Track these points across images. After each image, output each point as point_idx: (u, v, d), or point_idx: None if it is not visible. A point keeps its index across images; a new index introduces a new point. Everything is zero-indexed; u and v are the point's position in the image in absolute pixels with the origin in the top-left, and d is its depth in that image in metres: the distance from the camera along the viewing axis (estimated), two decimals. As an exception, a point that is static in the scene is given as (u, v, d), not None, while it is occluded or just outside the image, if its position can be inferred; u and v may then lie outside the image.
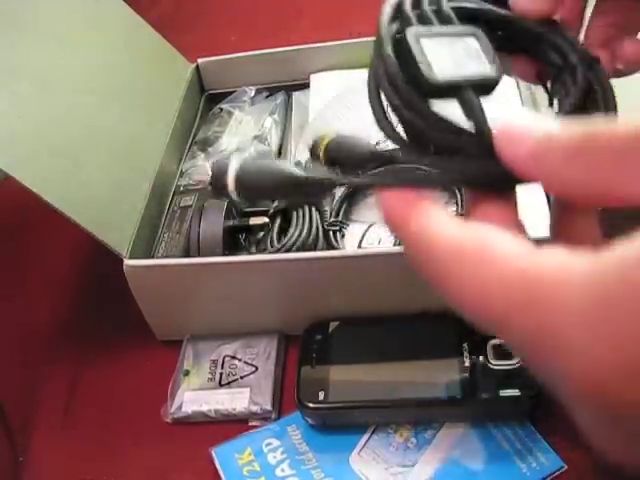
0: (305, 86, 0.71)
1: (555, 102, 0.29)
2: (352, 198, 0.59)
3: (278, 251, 0.53)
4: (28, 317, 0.63)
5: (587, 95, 0.28)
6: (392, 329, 0.50)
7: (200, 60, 0.72)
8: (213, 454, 0.49)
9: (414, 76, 0.24)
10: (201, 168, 0.63)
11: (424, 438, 0.47)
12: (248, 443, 0.49)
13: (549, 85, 0.31)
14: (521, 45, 0.31)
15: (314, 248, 0.54)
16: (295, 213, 0.56)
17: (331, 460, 0.47)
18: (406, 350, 0.49)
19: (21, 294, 0.65)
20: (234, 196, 0.28)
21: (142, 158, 0.60)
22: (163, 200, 0.61)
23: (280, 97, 0.71)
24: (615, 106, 0.28)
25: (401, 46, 0.25)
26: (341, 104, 0.67)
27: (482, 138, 0.23)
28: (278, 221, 0.56)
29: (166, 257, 0.56)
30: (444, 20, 0.27)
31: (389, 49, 0.25)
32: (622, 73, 0.34)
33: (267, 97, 0.71)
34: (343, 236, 0.56)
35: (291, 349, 0.54)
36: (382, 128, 0.28)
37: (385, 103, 0.27)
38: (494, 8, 0.30)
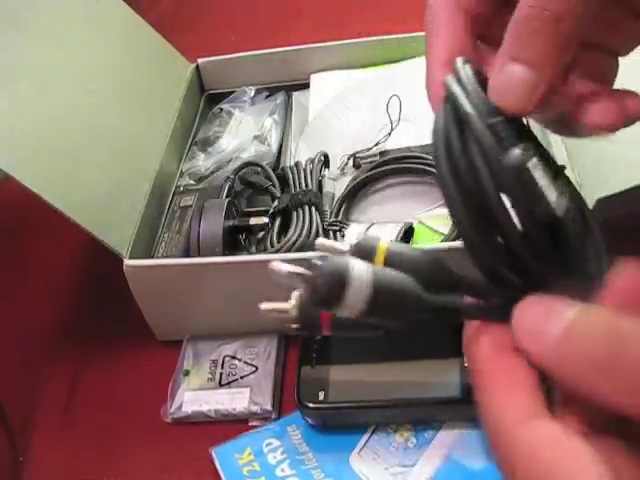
0: (305, 86, 0.71)
1: None
2: (352, 198, 0.59)
3: (278, 251, 0.53)
4: (28, 317, 0.63)
5: None
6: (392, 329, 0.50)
7: (200, 60, 0.72)
8: (213, 454, 0.49)
9: (528, 208, 0.22)
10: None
11: (424, 438, 0.47)
12: (248, 443, 0.49)
13: None
14: None
15: (314, 248, 0.54)
16: (295, 213, 0.56)
17: (331, 460, 0.47)
18: (406, 350, 0.48)
19: (21, 294, 0.65)
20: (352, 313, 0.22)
21: (142, 158, 0.60)
22: (163, 200, 0.61)
23: (280, 97, 0.71)
24: None
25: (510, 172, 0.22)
26: (341, 104, 0.67)
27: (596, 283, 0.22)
28: (278, 221, 0.56)
29: (166, 257, 0.56)
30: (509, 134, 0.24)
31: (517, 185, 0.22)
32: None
33: (267, 97, 0.71)
34: (343, 236, 0.56)
35: (291, 349, 0.54)
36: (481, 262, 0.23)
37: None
38: None
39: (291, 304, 0.23)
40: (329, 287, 0.21)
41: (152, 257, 0.56)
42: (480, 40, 0.30)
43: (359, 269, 0.22)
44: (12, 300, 0.65)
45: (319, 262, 0.22)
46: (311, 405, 0.47)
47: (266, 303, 0.23)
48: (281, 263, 0.23)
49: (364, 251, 0.23)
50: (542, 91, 0.25)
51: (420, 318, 0.23)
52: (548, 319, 0.21)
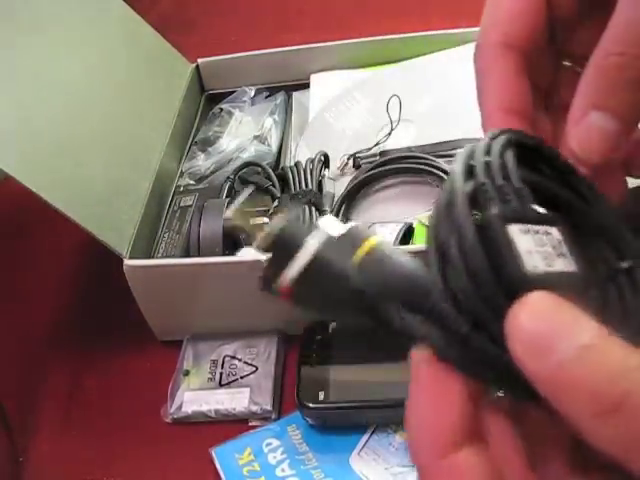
0: (305, 86, 0.71)
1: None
2: (352, 198, 0.59)
3: (278, 251, 0.53)
4: (28, 317, 0.63)
5: None
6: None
7: (200, 60, 0.72)
8: (213, 454, 0.49)
9: (496, 268, 0.20)
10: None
11: (424, 438, 0.47)
12: (248, 443, 0.49)
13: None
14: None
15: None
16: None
17: (331, 460, 0.47)
18: (406, 350, 0.48)
19: (21, 294, 0.65)
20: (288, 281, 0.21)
21: (142, 158, 0.60)
22: (163, 200, 0.61)
23: (280, 97, 0.71)
24: None
25: (482, 230, 0.20)
26: (341, 104, 0.67)
27: None
28: (278, 221, 0.56)
29: (166, 257, 0.56)
30: (521, 198, 0.21)
31: (474, 238, 0.20)
32: None
33: (267, 97, 0.71)
34: (343, 236, 0.56)
35: (291, 349, 0.54)
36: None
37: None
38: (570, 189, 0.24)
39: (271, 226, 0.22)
40: (282, 243, 0.22)
41: (152, 257, 0.56)
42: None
43: (313, 239, 0.22)
44: (12, 300, 0.65)
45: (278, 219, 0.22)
46: (311, 405, 0.47)
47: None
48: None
49: (352, 238, 0.22)
50: (624, 139, 0.24)
51: (354, 315, 0.22)
52: (560, 333, 0.18)
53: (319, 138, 0.65)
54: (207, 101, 0.73)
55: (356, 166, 0.61)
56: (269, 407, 0.50)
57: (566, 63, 0.28)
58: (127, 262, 0.51)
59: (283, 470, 0.47)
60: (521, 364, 0.18)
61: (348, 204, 0.59)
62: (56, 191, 0.49)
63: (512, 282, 0.19)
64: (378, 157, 0.60)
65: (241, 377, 0.53)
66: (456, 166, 0.22)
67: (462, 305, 0.20)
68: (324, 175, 0.60)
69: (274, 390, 0.51)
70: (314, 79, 0.71)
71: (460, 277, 0.20)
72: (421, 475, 0.20)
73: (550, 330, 0.18)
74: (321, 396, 0.47)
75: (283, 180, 0.60)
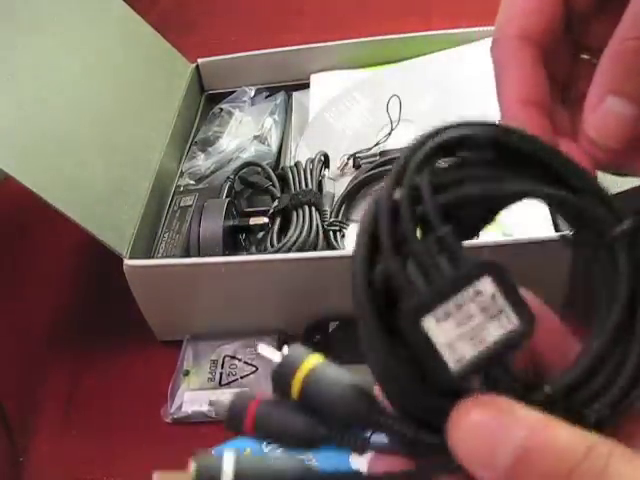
0: (305, 86, 0.71)
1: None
2: (352, 198, 0.59)
3: (278, 251, 0.53)
4: (28, 317, 0.63)
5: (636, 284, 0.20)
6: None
7: (200, 60, 0.72)
8: (213, 454, 0.48)
9: (422, 376, 0.19)
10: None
11: (424, 438, 0.47)
12: (248, 443, 0.49)
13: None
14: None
15: (314, 248, 0.54)
16: (295, 213, 0.56)
17: (331, 460, 0.47)
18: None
19: (21, 294, 0.65)
20: None
21: (142, 158, 0.60)
22: (163, 200, 0.61)
23: (280, 97, 0.71)
24: None
25: (395, 331, 0.19)
26: (341, 104, 0.67)
27: None
28: (278, 221, 0.56)
29: (166, 257, 0.56)
30: (443, 252, 0.19)
31: (387, 358, 0.19)
32: None
33: (267, 97, 0.71)
34: (343, 236, 0.56)
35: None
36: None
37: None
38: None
39: (190, 474, 0.22)
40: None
41: (152, 257, 0.56)
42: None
43: (227, 467, 0.22)
44: (12, 300, 0.65)
45: (194, 463, 0.22)
46: (311, 405, 0.47)
47: (159, 472, 0.23)
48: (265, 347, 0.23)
49: (287, 367, 0.23)
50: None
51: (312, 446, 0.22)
52: (495, 439, 0.18)
53: (319, 138, 0.65)
54: (207, 101, 0.73)
55: (356, 166, 0.61)
56: (269, 407, 0.50)
57: (584, 56, 0.28)
58: (127, 262, 0.51)
59: (283, 470, 0.47)
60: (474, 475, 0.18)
61: (348, 204, 0.59)
62: (56, 191, 0.49)
63: (440, 387, 0.19)
64: (378, 157, 0.60)
65: (241, 377, 0.53)
66: (357, 242, 0.20)
67: (404, 414, 0.20)
68: (324, 175, 0.60)
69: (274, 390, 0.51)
70: (314, 79, 0.71)
71: (390, 393, 0.20)
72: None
73: (485, 442, 0.18)
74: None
75: (283, 180, 0.60)
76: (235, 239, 0.56)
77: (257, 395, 0.23)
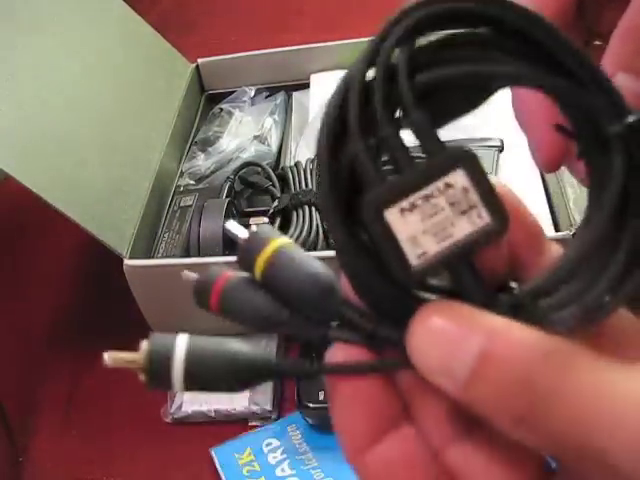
0: (305, 86, 0.71)
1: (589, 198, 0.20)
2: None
3: (278, 251, 0.53)
4: (28, 317, 0.63)
5: (632, 180, 0.18)
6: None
7: (200, 60, 0.72)
8: (213, 454, 0.49)
9: (382, 265, 0.18)
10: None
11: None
12: (248, 443, 0.49)
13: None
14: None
15: (314, 248, 0.54)
16: (295, 213, 0.56)
17: (331, 460, 0.47)
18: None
19: (21, 294, 0.65)
20: (179, 388, 0.20)
21: (142, 158, 0.60)
22: (163, 200, 0.61)
23: (280, 97, 0.71)
24: None
25: (357, 222, 0.18)
26: (341, 104, 0.67)
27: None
28: (278, 221, 0.56)
29: (166, 257, 0.56)
30: (418, 132, 0.18)
31: (350, 251, 0.18)
32: None
33: (267, 97, 0.71)
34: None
35: (291, 349, 0.54)
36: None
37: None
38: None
39: (140, 355, 0.21)
40: (155, 370, 0.21)
41: (152, 257, 0.56)
42: None
43: (180, 345, 0.21)
44: (12, 300, 0.65)
45: (146, 340, 0.21)
46: (311, 405, 0.47)
47: (110, 352, 0.21)
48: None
49: (254, 244, 0.21)
50: None
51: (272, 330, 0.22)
52: (453, 346, 0.17)
53: (319, 138, 0.65)
54: (207, 101, 0.73)
55: (356, 166, 0.61)
56: (269, 407, 0.50)
57: (596, 42, 0.29)
58: (127, 262, 0.51)
59: (283, 470, 0.47)
60: (431, 382, 0.18)
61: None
62: (56, 191, 0.49)
63: (401, 283, 0.18)
64: (378, 157, 0.60)
65: (241, 377, 0.53)
66: (322, 125, 0.18)
67: (370, 308, 0.19)
68: (324, 175, 0.60)
69: (274, 390, 0.51)
70: (314, 79, 0.71)
71: (354, 286, 0.19)
72: (355, 473, 0.20)
73: (442, 350, 0.17)
74: (321, 396, 0.47)
75: (283, 180, 0.60)
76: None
77: (224, 272, 0.22)
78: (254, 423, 0.51)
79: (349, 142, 0.18)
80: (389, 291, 0.18)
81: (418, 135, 0.18)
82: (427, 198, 0.17)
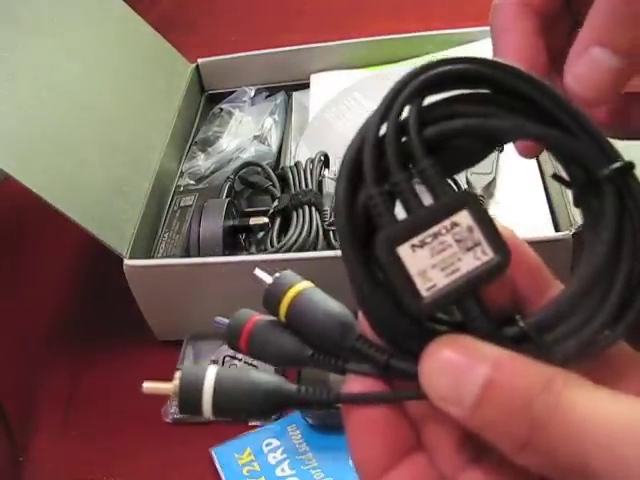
0: (305, 86, 0.71)
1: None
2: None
3: (278, 251, 0.53)
4: (28, 317, 0.63)
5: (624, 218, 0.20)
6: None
7: (200, 60, 0.73)
8: (213, 454, 0.49)
9: (396, 299, 0.20)
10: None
11: (424, 438, 0.47)
12: (248, 443, 0.49)
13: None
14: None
15: (314, 248, 0.54)
16: (295, 213, 0.56)
17: (331, 460, 0.47)
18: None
19: (21, 294, 0.65)
20: (209, 415, 0.23)
21: (142, 158, 0.60)
22: (163, 200, 0.61)
23: (280, 97, 0.71)
24: None
25: (372, 259, 0.20)
26: (341, 104, 0.67)
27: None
28: (278, 221, 0.56)
29: (166, 257, 0.56)
30: (425, 179, 0.20)
31: (368, 288, 0.20)
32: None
33: (267, 97, 0.71)
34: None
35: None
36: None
37: None
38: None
39: (173, 385, 0.23)
40: (186, 400, 0.23)
41: (152, 257, 0.56)
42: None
43: (209, 377, 0.23)
44: (12, 300, 0.65)
45: (178, 373, 0.23)
46: (311, 405, 0.47)
47: (147, 382, 0.23)
48: (261, 273, 0.25)
49: (278, 289, 0.24)
50: (626, 80, 0.23)
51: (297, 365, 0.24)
52: (461, 376, 0.18)
53: (319, 138, 0.65)
54: (207, 101, 0.73)
55: (356, 166, 0.61)
56: (269, 407, 0.50)
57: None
58: (127, 262, 0.51)
59: (283, 470, 0.47)
60: (441, 410, 0.19)
61: (348, 204, 0.58)
62: (56, 191, 0.49)
63: (412, 314, 0.20)
64: (378, 157, 0.60)
65: (241, 377, 0.53)
66: (340, 173, 0.21)
67: (386, 342, 0.21)
68: (324, 175, 0.60)
69: (274, 390, 0.51)
70: (314, 79, 0.71)
71: (369, 321, 0.21)
72: None
73: (450, 380, 0.18)
74: (321, 396, 0.47)
75: (283, 180, 0.60)
76: (235, 239, 0.56)
77: (252, 316, 0.25)
78: (254, 423, 0.51)
79: (364, 187, 0.20)
80: (403, 323, 0.20)
81: (426, 180, 0.20)
82: (436, 236, 0.19)
